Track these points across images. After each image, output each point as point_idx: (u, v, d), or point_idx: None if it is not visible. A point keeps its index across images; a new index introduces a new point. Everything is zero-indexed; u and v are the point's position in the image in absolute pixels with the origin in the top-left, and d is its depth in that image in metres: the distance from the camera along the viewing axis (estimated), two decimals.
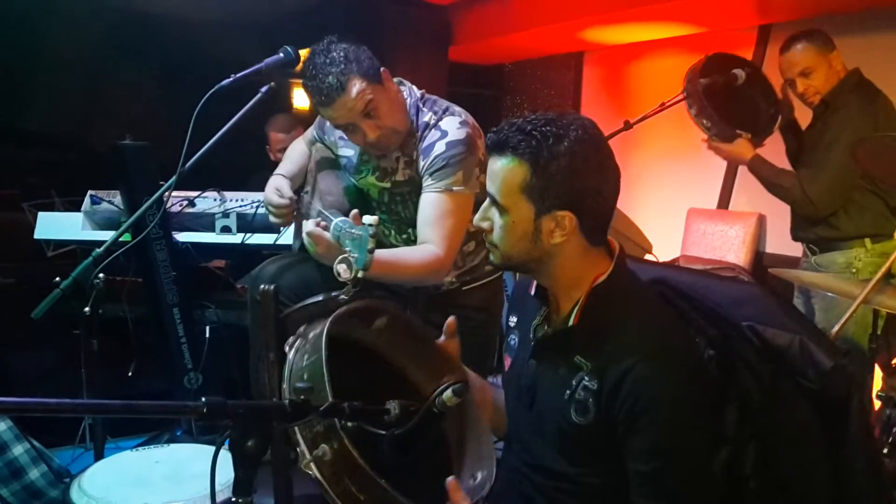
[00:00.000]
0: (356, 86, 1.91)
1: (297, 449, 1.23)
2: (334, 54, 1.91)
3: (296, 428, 1.22)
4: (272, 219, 2.23)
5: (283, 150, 3.51)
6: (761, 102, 2.95)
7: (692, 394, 1.30)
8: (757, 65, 2.92)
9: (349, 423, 1.14)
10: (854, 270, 2.71)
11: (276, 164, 3.51)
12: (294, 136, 3.52)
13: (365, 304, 1.48)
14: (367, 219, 1.61)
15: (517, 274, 1.63)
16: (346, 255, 1.60)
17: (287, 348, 1.38)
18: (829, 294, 2.54)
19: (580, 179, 1.34)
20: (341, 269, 1.59)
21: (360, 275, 1.57)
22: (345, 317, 1.41)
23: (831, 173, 2.65)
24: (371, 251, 1.58)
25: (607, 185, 1.38)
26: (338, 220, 1.70)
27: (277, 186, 2.20)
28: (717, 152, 2.93)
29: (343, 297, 1.62)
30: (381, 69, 1.98)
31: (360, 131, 1.99)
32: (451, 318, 1.61)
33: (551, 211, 1.34)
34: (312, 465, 1.21)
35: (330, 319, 1.34)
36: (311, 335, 1.36)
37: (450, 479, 1.31)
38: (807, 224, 2.84)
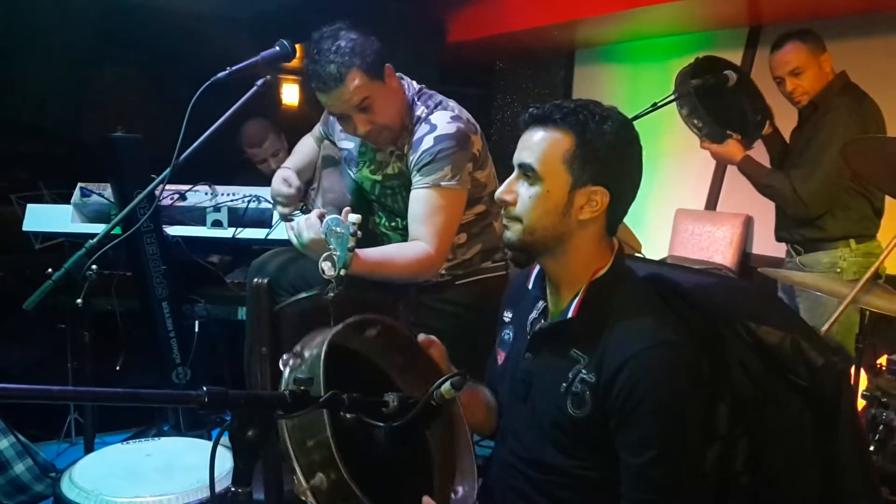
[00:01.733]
0: (355, 80, 1.91)
1: (294, 477, 1.23)
2: (341, 42, 1.90)
3: (293, 454, 1.22)
4: (279, 209, 2.23)
5: (263, 161, 3.54)
6: (748, 108, 2.98)
7: (686, 389, 1.31)
8: (745, 70, 2.94)
9: (348, 415, 1.14)
10: (839, 270, 2.74)
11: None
12: (266, 149, 3.53)
13: (361, 318, 1.48)
14: (351, 217, 1.62)
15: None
16: (330, 253, 1.61)
17: (281, 365, 1.36)
18: (815, 293, 2.57)
19: (620, 160, 1.38)
20: (325, 267, 1.60)
21: (342, 273, 1.58)
22: (341, 332, 1.41)
23: (824, 173, 2.68)
24: (351, 250, 1.59)
25: (636, 175, 1.42)
26: (329, 218, 1.71)
27: (286, 177, 2.20)
28: (709, 151, 2.96)
29: (329, 294, 1.63)
30: (386, 65, 1.98)
31: (352, 122, 2.00)
32: (422, 337, 1.57)
33: (587, 185, 1.36)
34: (308, 493, 1.21)
35: (327, 342, 1.32)
36: (307, 355, 1.35)
37: (426, 498, 1.31)
38: (792, 224, 2.87)
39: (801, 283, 2.56)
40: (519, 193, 1.40)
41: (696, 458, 1.35)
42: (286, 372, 1.34)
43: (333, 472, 1.19)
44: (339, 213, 1.70)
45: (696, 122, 2.83)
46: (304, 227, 1.80)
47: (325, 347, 1.28)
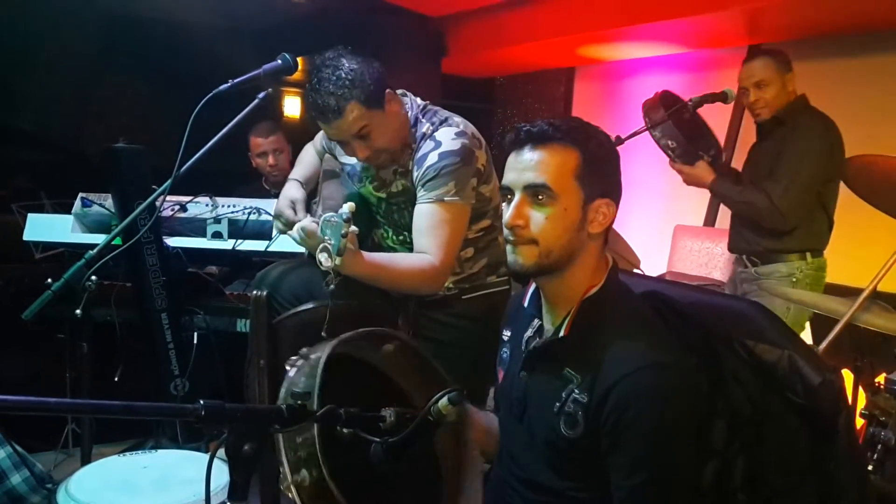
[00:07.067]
0: (353, 112, 1.92)
1: (280, 469, 1.25)
2: (341, 72, 1.90)
3: (283, 449, 1.24)
4: (276, 225, 2.24)
5: (261, 154, 3.57)
6: (702, 145, 3.03)
7: (678, 410, 1.30)
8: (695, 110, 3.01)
9: (344, 430, 1.14)
10: (794, 280, 2.86)
11: (256, 170, 3.59)
12: (272, 142, 3.56)
13: (375, 330, 1.49)
14: (344, 206, 1.61)
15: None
16: (325, 244, 1.61)
17: (288, 367, 1.38)
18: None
19: (616, 171, 1.42)
20: (322, 258, 1.59)
21: (338, 262, 1.57)
22: (353, 340, 1.42)
23: (801, 185, 2.76)
24: (345, 236, 1.58)
25: (621, 186, 1.44)
26: (325, 215, 1.71)
27: (293, 200, 2.20)
28: (679, 173, 3.01)
29: (327, 286, 1.63)
30: (386, 90, 1.99)
31: (351, 148, 2.02)
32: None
33: (596, 198, 1.38)
34: (292, 488, 1.24)
35: (334, 343, 1.34)
36: (312, 357, 1.36)
37: None
38: (755, 236, 2.94)
39: (799, 300, 2.58)
40: (531, 216, 1.37)
41: (688, 479, 1.34)
42: (291, 372, 1.36)
43: (316, 470, 1.22)
44: None
45: (669, 142, 2.90)
46: (306, 234, 1.81)
47: (326, 353, 1.30)
